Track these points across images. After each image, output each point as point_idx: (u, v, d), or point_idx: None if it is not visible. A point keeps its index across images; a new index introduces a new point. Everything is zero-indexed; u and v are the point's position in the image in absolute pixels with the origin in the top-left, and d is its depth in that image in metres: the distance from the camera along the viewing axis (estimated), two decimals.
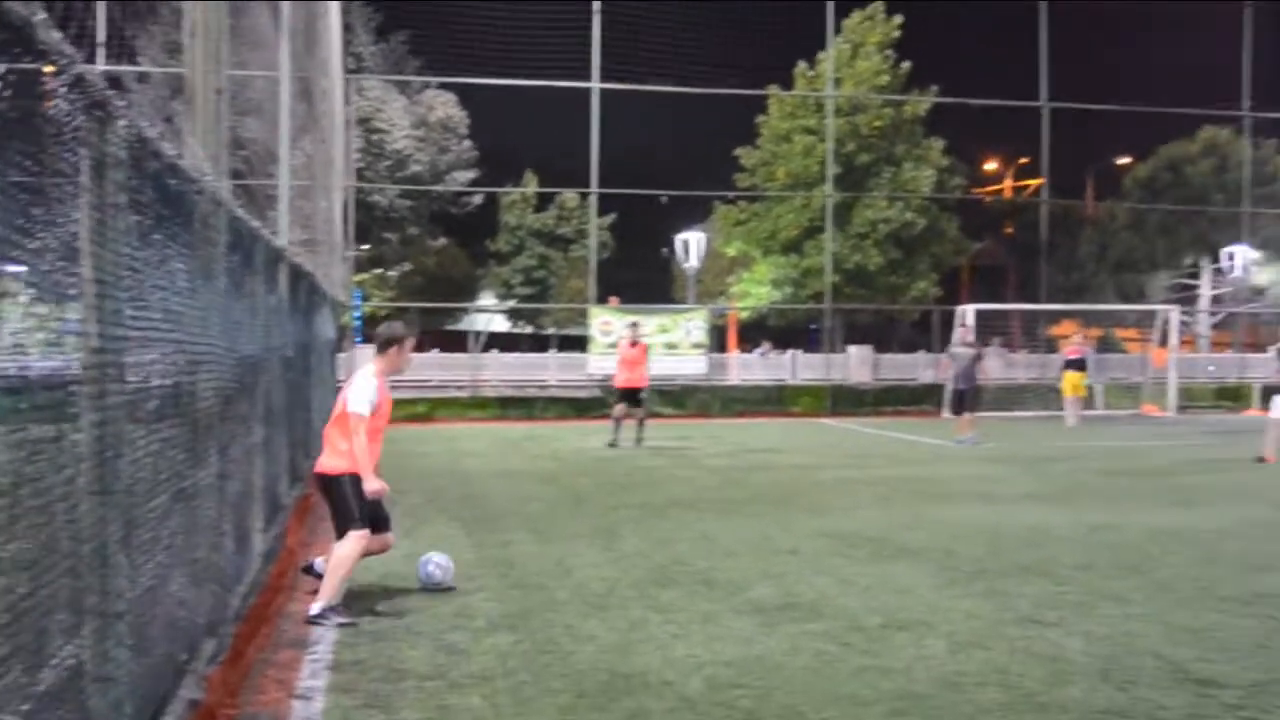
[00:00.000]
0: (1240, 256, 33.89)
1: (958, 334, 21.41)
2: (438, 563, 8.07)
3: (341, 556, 7.25)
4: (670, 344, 27.23)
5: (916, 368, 32.19)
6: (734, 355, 33.31)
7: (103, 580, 3.60)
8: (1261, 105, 34.07)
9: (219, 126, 5.85)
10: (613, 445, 18.88)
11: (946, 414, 21.31)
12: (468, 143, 41.38)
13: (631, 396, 19.44)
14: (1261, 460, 16.37)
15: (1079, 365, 25.11)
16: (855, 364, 29.98)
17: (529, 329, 48.18)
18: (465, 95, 40.43)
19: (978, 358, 20.35)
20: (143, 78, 10.65)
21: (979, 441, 19.62)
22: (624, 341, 19.91)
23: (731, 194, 33.60)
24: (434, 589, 7.90)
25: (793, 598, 7.86)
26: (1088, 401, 26.29)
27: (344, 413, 7.39)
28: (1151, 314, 31.17)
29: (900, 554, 9.51)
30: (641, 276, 42.54)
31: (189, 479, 5.14)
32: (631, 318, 22.18)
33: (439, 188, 39.60)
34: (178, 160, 4.74)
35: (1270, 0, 32.91)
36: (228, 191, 6.03)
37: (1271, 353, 18.91)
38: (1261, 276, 35.15)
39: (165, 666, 4.69)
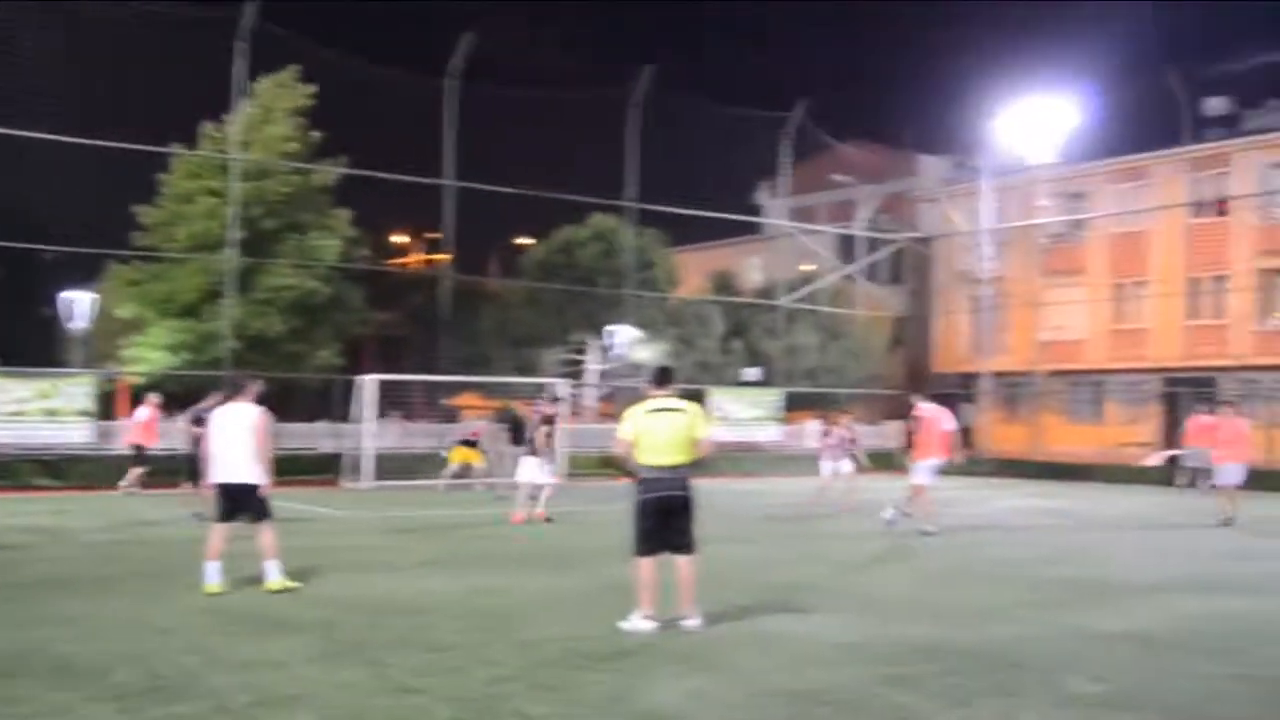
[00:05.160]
0: (622, 334, 36.64)
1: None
2: None
3: None
4: (51, 410, 25.31)
5: (317, 436, 31.96)
6: (123, 422, 31.47)
7: None
8: (643, 197, 37.17)
9: None
10: None
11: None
12: None
13: None
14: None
15: (473, 444, 26.35)
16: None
17: None
18: None
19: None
20: None
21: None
22: None
23: (127, 253, 31.86)
24: None
25: (159, 680, 7.46)
26: (486, 471, 27.12)
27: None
28: (544, 386, 32.86)
29: (279, 627, 9.32)
30: (20, 337, 39.25)
31: None
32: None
33: None
34: None
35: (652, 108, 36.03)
36: None
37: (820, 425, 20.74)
38: (641, 353, 38.11)
39: None
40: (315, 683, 7.46)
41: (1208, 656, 8.70)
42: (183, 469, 19.76)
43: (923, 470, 18.14)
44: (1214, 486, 28.09)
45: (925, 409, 18.58)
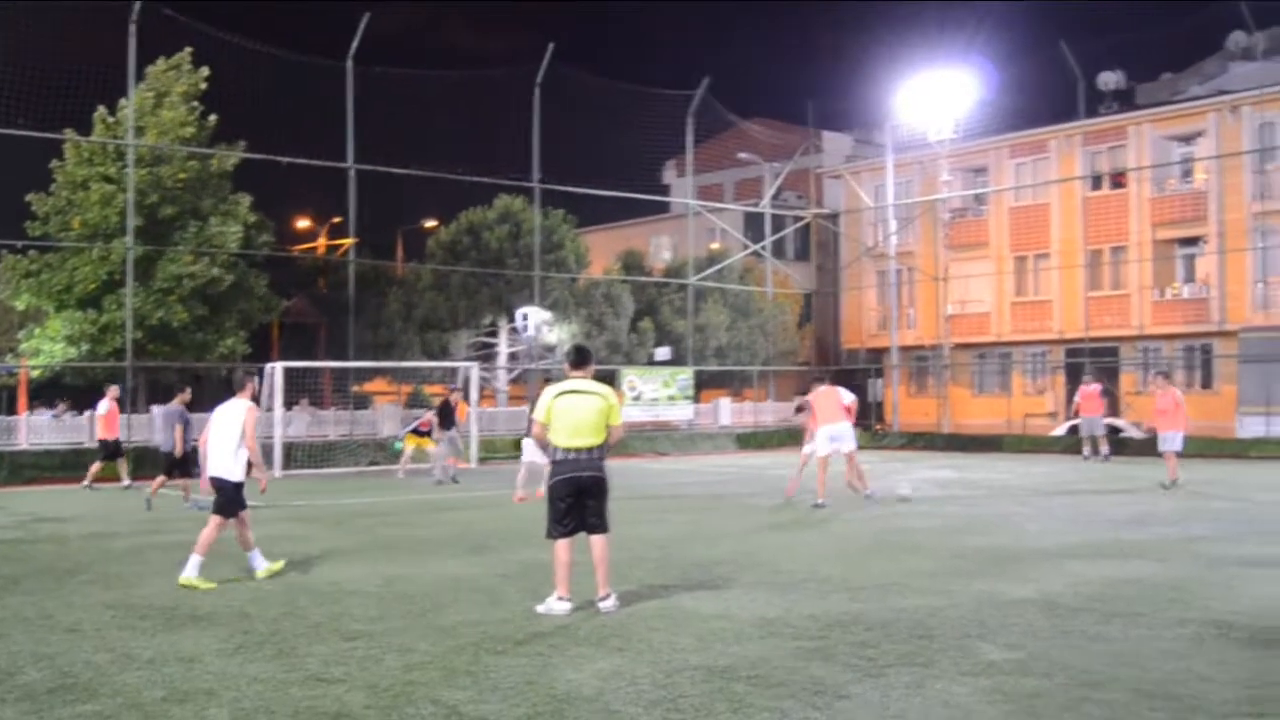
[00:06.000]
0: (533, 317, 36.47)
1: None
2: None
3: None
4: None
5: None
6: (24, 417, 30.73)
7: None
8: (550, 177, 37.05)
9: None
10: None
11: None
12: None
13: None
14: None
15: (424, 433, 26.44)
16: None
17: None
18: None
19: (182, 418, 19.28)
20: None
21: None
22: None
23: (21, 243, 30.99)
24: None
25: (68, 679, 7.32)
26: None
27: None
28: (454, 370, 32.67)
29: (191, 621, 9.17)
30: None
31: None
32: None
33: None
34: None
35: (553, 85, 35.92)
36: None
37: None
38: (551, 335, 38.00)
39: None
40: (228, 676, 7.35)
41: (1113, 620, 8.88)
42: (162, 465, 19.89)
43: (820, 439, 18.62)
44: (1106, 456, 29.17)
45: (820, 390, 19.14)
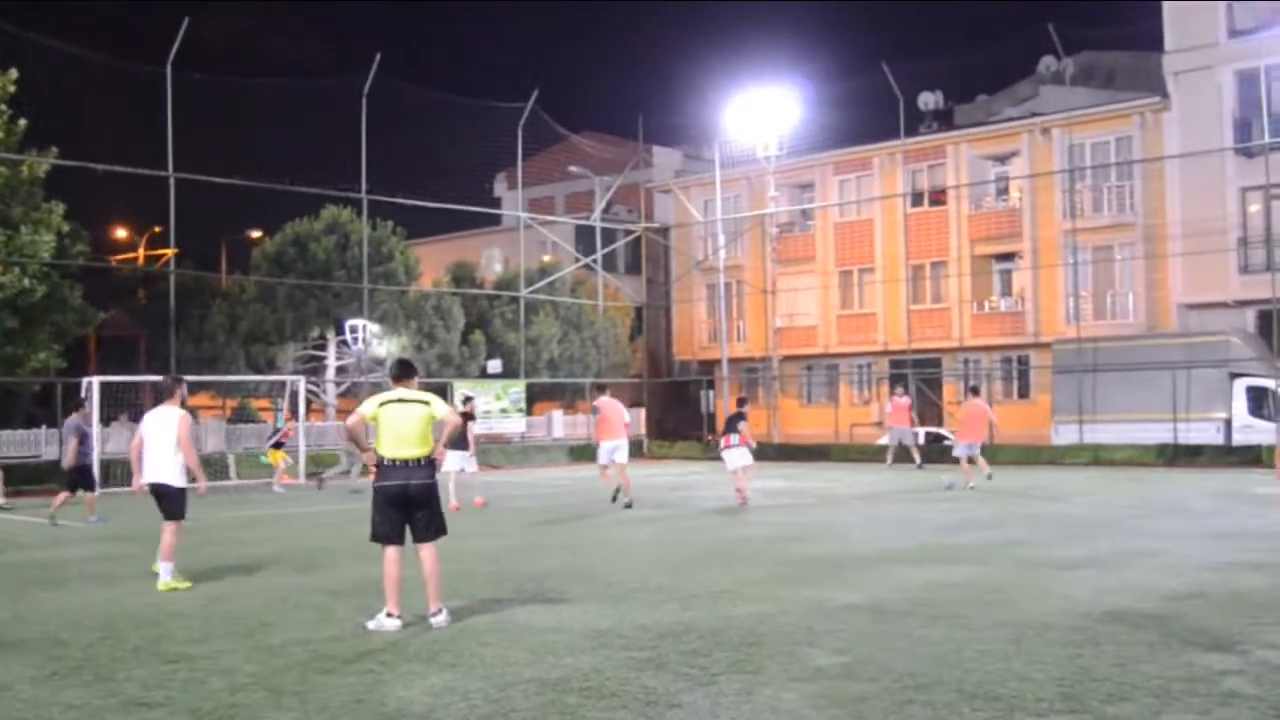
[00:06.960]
0: (362, 329, 35.97)
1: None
2: None
3: None
4: None
5: (39, 444, 30.36)
6: None
7: None
8: (379, 188, 36.54)
9: None
10: None
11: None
12: None
13: None
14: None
15: (281, 445, 27.20)
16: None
17: None
18: None
19: (79, 431, 19.35)
20: None
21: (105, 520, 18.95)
22: None
23: None
24: None
25: None
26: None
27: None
28: (282, 384, 32.01)
29: (2, 648, 8.77)
30: None
31: None
32: None
33: None
34: None
35: (379, 96, 35.50)
36: None
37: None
38: (381, 348, 37.51)
39: None
40: (41, 704, 7.06)
41: (937, 623, 9.12)
42: (64, 480, 19.85)
43: (602, 451, 20.39)
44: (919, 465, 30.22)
45: (604, 401, 20.79)
